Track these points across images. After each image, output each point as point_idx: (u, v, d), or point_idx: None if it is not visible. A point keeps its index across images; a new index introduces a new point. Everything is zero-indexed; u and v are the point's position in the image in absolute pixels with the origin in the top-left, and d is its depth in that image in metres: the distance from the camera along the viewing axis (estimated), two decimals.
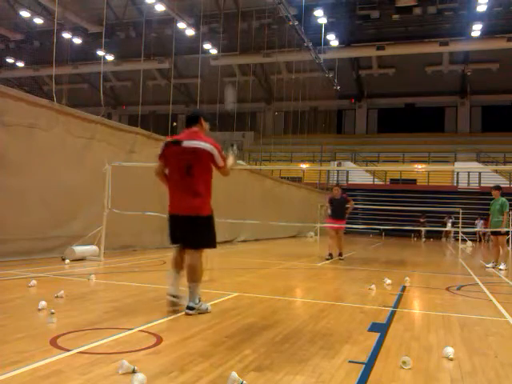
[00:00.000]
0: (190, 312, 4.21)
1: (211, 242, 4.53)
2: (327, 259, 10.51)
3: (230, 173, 4.70)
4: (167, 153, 4.46)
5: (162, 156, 4.53)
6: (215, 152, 4.38)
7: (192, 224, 4.35)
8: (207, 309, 4.38)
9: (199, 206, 4.39)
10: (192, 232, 4.35)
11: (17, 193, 7.68)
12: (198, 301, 4.31)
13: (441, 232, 25.66)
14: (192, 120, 4.62)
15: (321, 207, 18.55)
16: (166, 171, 4.54)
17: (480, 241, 24.24)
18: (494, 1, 23.94)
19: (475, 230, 22.40)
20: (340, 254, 10.87)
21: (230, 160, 4.66)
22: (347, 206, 10.97)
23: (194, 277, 4.35)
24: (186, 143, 4.37)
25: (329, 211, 11.01)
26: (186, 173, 4.31)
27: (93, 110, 10.06)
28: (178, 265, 4.51)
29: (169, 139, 4.60)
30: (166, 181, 4.57)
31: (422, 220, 24.62)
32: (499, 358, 3.34)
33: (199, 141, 4.37)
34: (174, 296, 4.36)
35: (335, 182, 31.48)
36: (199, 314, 4.26)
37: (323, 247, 11.00)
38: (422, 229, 23.51)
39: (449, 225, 22.81)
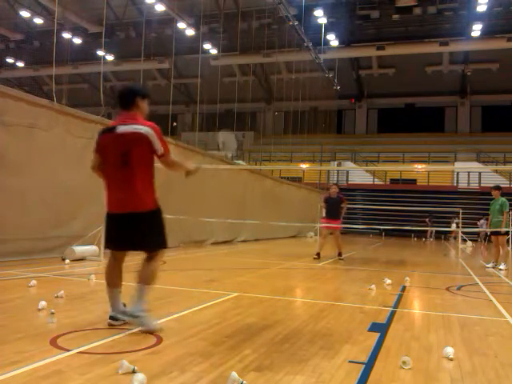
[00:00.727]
0: (134, 320, 3.59)
1: (161, 242, 3.83)
2: (315, 258, 10.45)
3: (177, 167, 4.00)
4: (102, 143, 3.75)
5: (98, 147, 3.79)
6: (154, 137, 3.66)
7: (136, 223, 3.70)
8: (156, 324, 3.65)
9: (140, 201, 3.70)
10: (138, 232, 3.72)
11: (17, 193, 7.68)
12: (144, 308, 3.64)
13: (441, 232, 25.67)
14: (125, 101, 3.81)
15: (320, 207, 18.56)
16: (104, 165, 3.81)
17: (485, 241, 24.10)
18: (494, 1, 23.94)
19: (476, 230, 22.38)
20: (339, 254, 10.78)
21: (189, 163, 4.09)
22: (342, 205, 10.84)
23: (149, 278, 3.76)
24: (121, 128, 3.67)
25: (323, 211, 10.89)
26: (122, 163, 3.64)
27: (93, 110, 10.06)
28: (114, 280, 3.86)
29: (102, 128, 3.93)
30: (103, 176, 3.84)
31: (428, 221, 24.56)
32: (499, 358, 3.34)
33: (136, 124, 3.67)
34: (115, 319, 3.73)
35: (334, 181, 31.51)
36: (144, 332, 3.55)
37: (323, 247, 10.98)
38: (428, 229, 23.44)
39: (453, 225, 22.75)
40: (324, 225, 10.89)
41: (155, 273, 3.82)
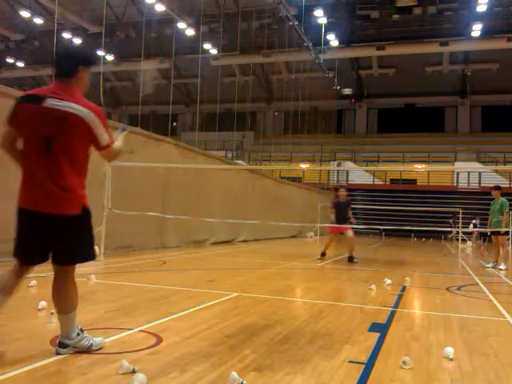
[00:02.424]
0: (63, 351, 2.94)
1: (87, 253, 3.02)
2: (319, 258, 10.26)
3: (116, 157, 3.19)
4: (21, 114, 2.85)
5: (14, 118, 2.87)
6: (97, 124, 2.86)
7: (55, 227, 2.87)
8: (91, 346, 3.02)
9: (65, 200, 2.85)
10: (56, 239, 2.89)
11: (17, 193, 7.67)
12: (76, 335, 2.98)
13: (441, 232, 25.64)
14: (64, 68, 2.95)
15: (321, 208, 18.54)
16: (20, 144, 2.90)
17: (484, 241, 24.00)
18: (494, 1, 23.95)
19: (474, 230, 22.34)
20: (350, 258, 10.18)
21: (119, 142, 3.20)
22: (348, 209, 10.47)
23: (68, 306, 2.97)
24: (52, 103, 2.81)
25: (332, 217, 10.28)
26: (46, 147, 2.80)
27: None
28: (6, 285, 2.91)
29: (23, 93, 2.99)
30: (18, 158, 2.95)
31: (474, 222, 24.38)
32: (499, 358, 3.34)
33: (73, 103, 2.82)
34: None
35: (336, 181, 31.49)
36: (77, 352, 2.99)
37: (323, 247, 10.97)
38: (452, 229, 23.15)
39: (471, 226, 22.59)
40: (330, 225, 10.55)
41: (73, 295, 2.99)
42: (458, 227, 15.01)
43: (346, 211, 10.36)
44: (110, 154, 3.05)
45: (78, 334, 3.02)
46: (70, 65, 2.94)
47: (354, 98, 37.04)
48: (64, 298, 2.97)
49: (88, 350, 3.00)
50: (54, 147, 2.80)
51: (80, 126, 2.81)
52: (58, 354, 2.95)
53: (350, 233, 10.37)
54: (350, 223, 10.40)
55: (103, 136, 2.90)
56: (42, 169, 2.82)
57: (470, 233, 24.34)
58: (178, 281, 6.42)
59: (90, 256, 3.04)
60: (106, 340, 3.30)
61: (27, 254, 2.97)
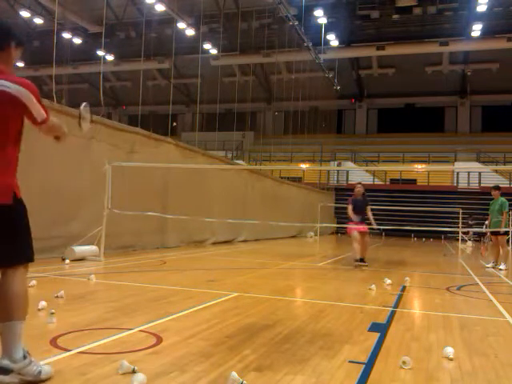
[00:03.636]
0: (5, 379, 2.38)
1: (21, 251, 2.55)
2: (357, 261, 9.37)
3: (56, 131, 2.82)
4: None
5: None
6: (31, 100, 2.55)
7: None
8: (40, 373, 2.47)
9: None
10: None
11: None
12: (21, 357, 2.43)
13: (440, 232, 25.64)
14: None
15: (321, 208, 18.55)
16: None
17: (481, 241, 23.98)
18: (494, 1, 23.94)
19: (477, 230, 22.32)
20: (362, 260, 9.48)
21: (86, 123, 2.96)
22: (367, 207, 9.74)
23: (9, 313, 2.45)
24: None
25: (351, 214, 9.59)
26: None
27: (93, 110, 10.04)
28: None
29: None
30: None
31: (470, 222, 24.32)
32: (499, 358, 3.34)
33: (1, 79, 2.57)
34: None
35: (335, 181, 31.48)
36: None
37: (323, 247, 10.95)
38: (469, 230, 22.94)
39: (484, 226, 22.37)
40: (353, 226, 9.65)
41: (21, 298, 2.50)
42: (458, 227, 15.00)
43: (364, 209, 9.67)
44: (49, 128, 2.70)
45: (25, 357, 2.44)
46: (1, 40, 2.63)
47: (354, 98, 37.04)
48: (7, 299, 2.45)
49: (36, 380, 2.45)
50: None
51: (12, 103, 2.49)
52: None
53: (366, 237, 9.67)
54: (369, 224, 9.76)
55: (40, 111, 2.58)
56: None
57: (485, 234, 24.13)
58: (178, 281, 6.42)
59: (25, 255, 2.56)
60: (106, 340, 3.31)
61: None
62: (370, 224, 9.76)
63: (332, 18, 25.90)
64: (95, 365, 2.80)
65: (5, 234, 2.47)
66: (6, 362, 2.40)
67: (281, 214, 18.59)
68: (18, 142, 2.60)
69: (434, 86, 32.95)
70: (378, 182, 31.07)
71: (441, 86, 33.04)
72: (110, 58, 31.74)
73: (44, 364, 2.59)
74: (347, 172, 31.11)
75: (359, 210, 9.58)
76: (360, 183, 10.29)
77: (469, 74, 32.05)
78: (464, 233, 23.12)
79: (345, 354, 3.27)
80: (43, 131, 2.70)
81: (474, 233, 23.71)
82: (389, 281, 6.86)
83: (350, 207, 9.65)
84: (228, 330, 3.78)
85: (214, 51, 29.02)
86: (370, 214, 9.72)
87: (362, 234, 9.47)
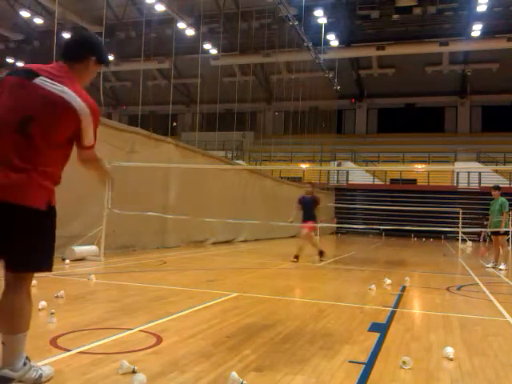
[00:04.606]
0: None
1: (45, 260, 2.48)
2: (293, 261, 9.73)
3: (95, 166, 2.81)
4: (6, 84, 2.48)
5: None
6: (88, 120, 2.50)
7: (10, 220, 2.36)
8: (40, 377, 2.45)
9: (29, 189, 2.36)
10: (9, 236, 2.36)
11: None
12: (22, 364, 2.40)
13: (440, 232, 25.64)
14: (76, 50, 2.61)
15: (321, 208, 18.53)
16: None
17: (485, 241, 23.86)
18: (494, 1, 23.94)
19: (477, 230, 22.32)
20: (320, 253, 10.19)
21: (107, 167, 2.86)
22: (316, 207, 10.14)
23: (15, 325, 2.39)
24: (43, 81, 2.44)
25: (297, 212, 10.17)
26: (20, 129, 2.37)
27: None
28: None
29: (16, 68, 2.66)
30: None
31: (485, 223, 24.18)
32: (499, 358, 3.34)
33: (68, 89, 2.45)
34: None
35: (335, 181, 31.50)
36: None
37: (323, 247, 10.96)
38: (483, 230, 22.85)
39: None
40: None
41: (27, 310, 2.44)
42: (459, 227, 14.99)
43: (312, 208, 10.06)
44: (90, 158, 2.66)
45: (25, 364, 2.40)
46: (83, 49, 2.61)
47: (354, 98, 37.04)
48: (14, 312, 2.38)
49: (40, 380, 2.44)
50: (30, 131, 2.37)
51: (69, 116, 2.43)
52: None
53: (303, 231, 10.18)
54: (315, 222, 10.19)
55: (89, 135, 2.54)
56: (9, 149, 2.35)
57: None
58: (178, 281, 6.42)
59: (46, 264, 2.49)
60: (106, 340, 3.31)
61: None
62: (315, 222, 10.23)
63: (332, 18, 25.90)
64: (95, 365, 2.80)
65: (30, 238, 2.39)
66: (6, 371, 2.36)
67: (281, 213, 18.57)
68: (65, 150, 2.55)
69: (434, 85, 32.95)
70: (377, 181, 31.08)
71: (441, 85, 33.04)
72: (110, 57, 31.72)
73: (44, 365, 2.57)
74: (347, 172, 31.11)
75: (307, 209, 10.06)
76: (310, 182, 10.93)
77: (469, 73, 32.05)
78: (477, 234, 23.00)
79: (345, 354, 3.27)
80: (81, 157, 2.64)
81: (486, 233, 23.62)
82: (389, 281, 6.86)
83: (297, 206, 10.20)
84: (228, 330, 3.78)
85: (214, 51, 29.02)
86: (317, 214, 10.20)
87: (301, 230, 10.17)
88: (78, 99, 2.45)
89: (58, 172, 2.56)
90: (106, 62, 2.76)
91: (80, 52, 2.60)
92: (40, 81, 2.43)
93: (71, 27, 29.26)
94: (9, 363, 2.37)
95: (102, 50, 2.71)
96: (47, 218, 2.47)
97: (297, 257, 9.95)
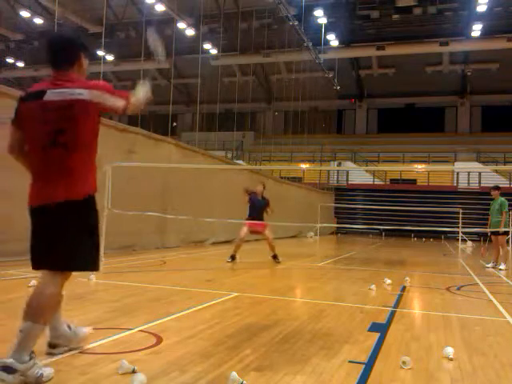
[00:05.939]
0: (8, 378, 2.35)
1: (87, 257, 2.77)
2: (228, 262, 9.12)
3: (141, 106, 2.84)
4: (25, 113, 2.68)
5: (17, 119, 2.71)
6: (103, 96, 2.65)
7: (54, 218, 2.60)
8: (41, 376, 2.44)
9: (71, 186, 2.64)
10: (50, 234, 2.61)
11: (17, 193, 7.67)
12: (27, 358, 2.42)
13: (441, 232, 25.66)
14: (62, 56, 2.74)
15: (321, 208, 18.51)
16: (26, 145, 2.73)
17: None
18: (494, 1, 23.95)
19: (477, 230, 22.31)
20: (274, 257, 9.55)
21: (141, 94, 2.81)
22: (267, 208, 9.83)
23: (39, 314, 2.53)
24: (52, 94, 2.62)
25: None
26: (53, 143, 2.59)
27: None
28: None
29: (25, 92, 2.78)
30: (26, 161, 2.78)
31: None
32: (499, 358, 3.34)
33: (74, 88, 2.63)
34: (53, 345, 2.92)
35: (336, 181, 31.49)
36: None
37: (323, 247, 10.95)
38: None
39: None
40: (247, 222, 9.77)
41: (47, 305, 2.60)
42: (459, 227, 14.99)
43: (261, 209, 9.75)
44: (135, 108, 2.78)
45: (31, 358, 2.43)
46: (70, 53, 2.76)
47: (354, 98, 37.05)
48: (36, 300, 2.57)
49: (37, 382, 2.43)
50: (62, 141, 2.59)
51: (88, 108, 2.62)
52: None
53: (266, 232, 9.66)
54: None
55: (116, 102, 2.68)
56: (50, 164, 2.61)
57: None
58: (178, 281, 6.42)
59: (91, 264, 2.85)
60: (106, 340, 3.30)
61: (31, 257, 2.74)
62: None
63: (332, 18, 25.91)
64: (95, 365, 2.80)
65: (77, 231, 2.65)
66: (12, 361, 2.38)
67: (281, 213, 18.57)
68: (95, 144, 2.78)
69: (434, 85, 32.96)
70: (377, 181, 31.09)
71: (441, 85, 33.05)
72: (109, 58, 31.73)
73: (45, 366, 2.57)
74: (347, 172, 31.11)
75: (256, 208, 9.77)
76: (263, 183, 10.50)
77: (469, 73, 32.06)
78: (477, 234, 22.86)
79: (345, 354, 3.27)
80: (126, 113, 2.79)
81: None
82: (389, 281, 6.86)
83: (248, 203, 9.84)
84: (228, 329, 3.78)
85: (214, 51, 29.02)
86: (266, 215, 9.90)
87: (257, 232, 9.71)
88: (83, 90, 2.61)
89: (92, 164, 2.82)
90: (88, 49, 2.91)
91: (68, 56, 2.75)
92: (49, 94, 2.62)
93: (71, 27, 29.28)
94: (16, 353, 2.41)
95: (83, 43, 2.87)
96: (89, 207, 2.87)
97: (275, 256, 9.47)
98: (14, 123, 2.72)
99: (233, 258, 9.21)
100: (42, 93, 2.64)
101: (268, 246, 9.60)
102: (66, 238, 2.62)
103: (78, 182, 2.66)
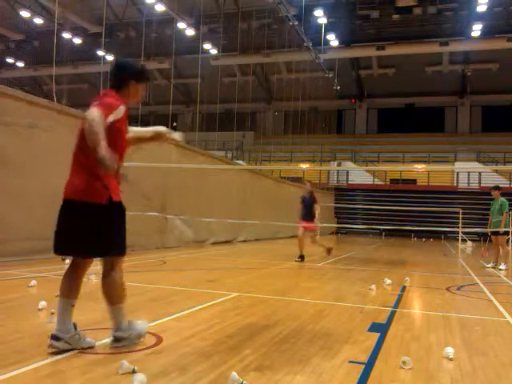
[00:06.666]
0: (119, 345, 3.14)
1: (109, 246, 3.48)
2: (296, 261, 9.79)
3: (93, 140, 2.82)
4: None
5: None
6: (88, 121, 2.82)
7: (71, 213, 3.10)
8: (142, 331, 3.28)
9: (86, 187, 3.06)
10: (67, 227, 3.14)
11: (17, 193, 7.68)
12: (126, 326, 3.21)
13: (441, 232, 25.65)
14: (115, 81, 3.12)
15: (321, 208, 18.51)
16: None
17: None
18: (494, 1, 23.95)
19: (478, 230, 22.31)
20: (301, 256, 10.01)
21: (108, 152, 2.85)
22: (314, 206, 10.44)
23: (119, 297, 3.37)
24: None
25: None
26: (77, 144, 3.25)
27: None
28: (72, 288, 3.26)
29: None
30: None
31: None
32: (499, 358, 3.34)
33: (91, 107, 2.93)
34: (56, 338, 2.99)
35: (336, 181, 31.50)
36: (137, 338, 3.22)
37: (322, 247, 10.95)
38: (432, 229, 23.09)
39: None
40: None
41: (118, 287, 3.42)
42: (459, 227, 15.00)
43: (310, 206, 10.41)
44: (104, 162, 2.83)
45: (129, 322, 3.29)
46: (119, 78, 3.12)
47: (354, 98, 37.04)
48: (107, 287, 3.42)
49: (141, 335, 3.27)
50: (78, 143, 3.24)
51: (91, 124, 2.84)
52: (114, 347, 3.12)
53: (305, 233, 10.35)
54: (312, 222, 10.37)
55: (93, 142, 2.85)
56: (73, 160, 3.28)
57: None
58: (178, 281, 6.42)
59: (117, 251, 3.61)
60: (106, 340, 3.30)
61: (53, 244, 3.25)
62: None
63: (332, 18, 25.91)
64: (95, 365, 2.81)
65: (85, 227, 3.17)
66: (119, 333, 3.14)
67: (281, 214, 18.58)
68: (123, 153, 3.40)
69: (434, 85, 32.95)
70: (378, 181, 31.09)
71: (441, 85, 33.04)
72: (109, 58, 31.72)
73: (137, 321, 3.30)
74: (347, 172, 31.11)
75: (306, 206, 10.58)
76: (310, 181, 11.59)
77: (469, 74, 32.05)
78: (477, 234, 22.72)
79: (345, 354, 3.27)
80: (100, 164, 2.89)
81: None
82: (389, 281, 6.86)
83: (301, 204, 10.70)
84: (228, 330, 3.78)
85: (213, 51, 29.01)
86: (315, 212, 10.51)
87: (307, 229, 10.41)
88: (90, 109, 2.85)
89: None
90: (146, 79, 3.24)
91: (119, 81, 3.11)
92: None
93: (71, 27, 29.30)
94: (117, 326, 3.16)
95: (136, 71, 3.18)
96: (106, 213, 3.38)
97: (301, 256, 9.94)
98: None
99: (302, 257, 9.90)
100: None
101: (299, 244, 10.14)
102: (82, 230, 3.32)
103: (91, 183, 3.23)
